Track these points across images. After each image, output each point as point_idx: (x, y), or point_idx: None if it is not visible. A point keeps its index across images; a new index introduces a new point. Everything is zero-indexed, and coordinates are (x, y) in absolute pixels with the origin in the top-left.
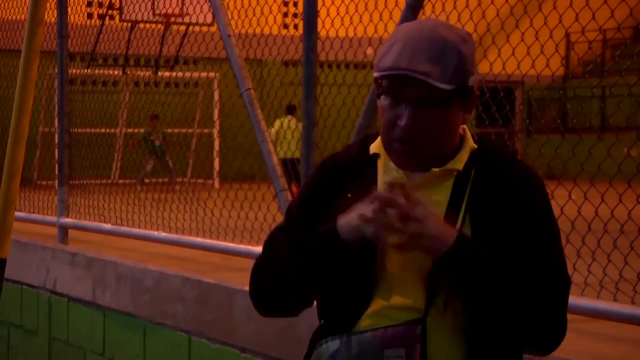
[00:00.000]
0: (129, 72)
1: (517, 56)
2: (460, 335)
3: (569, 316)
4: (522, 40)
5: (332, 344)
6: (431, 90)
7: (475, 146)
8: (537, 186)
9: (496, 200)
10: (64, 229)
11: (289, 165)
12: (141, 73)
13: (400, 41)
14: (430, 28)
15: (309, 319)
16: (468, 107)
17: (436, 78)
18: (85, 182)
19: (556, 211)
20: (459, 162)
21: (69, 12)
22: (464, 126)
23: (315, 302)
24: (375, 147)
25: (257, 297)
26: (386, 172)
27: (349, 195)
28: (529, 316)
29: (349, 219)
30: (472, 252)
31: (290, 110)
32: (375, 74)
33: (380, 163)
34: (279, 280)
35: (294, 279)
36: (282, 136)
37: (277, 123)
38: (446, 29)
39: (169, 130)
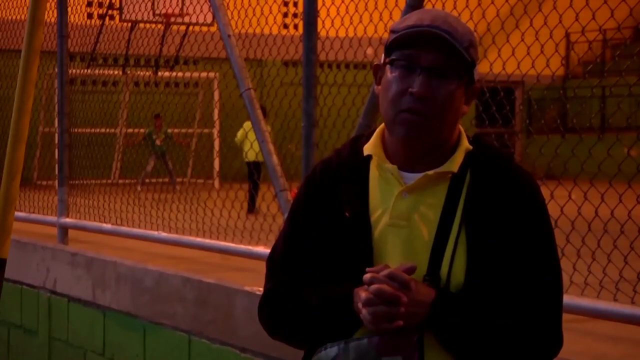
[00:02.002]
0: (129, 72)
1: (517, 56)
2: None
3: (570, 316)
4: (522, 40)
5: (331, 351)
6: (447, 57)
7: (471, 147)
8: (534, 192)
9: (491, 207)
10: (64, 229)
11: (255, 167)
12: (141, 73)
13: (417, 12)
14: (443, 12)
15: None
16: (469, 98)
17: (456, 41)
18: (85, 182)
19: (556, 211)
20: (454, 164)
21: (69, 12)
22: (460, 127)
23: None
24: (368, 148)
25: (269, 328)
26: (381, 173)
27: (347, 213)
28: (526, 336)
29: (356, 299)
30: (453, 309)
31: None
32: (392, 37)
33: (373, 164)
34: (294, 329)
35: (307, 331)
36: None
37: (248, 124)
38: (456, 17)
39: (170, 130)
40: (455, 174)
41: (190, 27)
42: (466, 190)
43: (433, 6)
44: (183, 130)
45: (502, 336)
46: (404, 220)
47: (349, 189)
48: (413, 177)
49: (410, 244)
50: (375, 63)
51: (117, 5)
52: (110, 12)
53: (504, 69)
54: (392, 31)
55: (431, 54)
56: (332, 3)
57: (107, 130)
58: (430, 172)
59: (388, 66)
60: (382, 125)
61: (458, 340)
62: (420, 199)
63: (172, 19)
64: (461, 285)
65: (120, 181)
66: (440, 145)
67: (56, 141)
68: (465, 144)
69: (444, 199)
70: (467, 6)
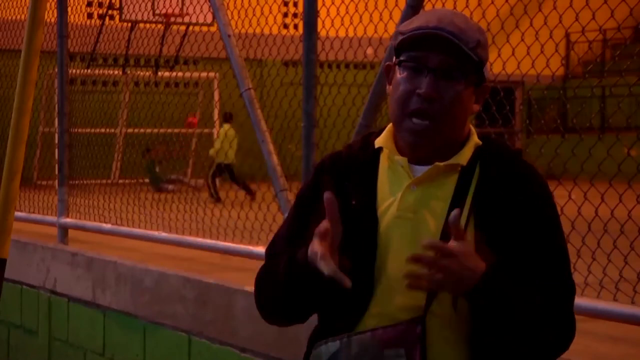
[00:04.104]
0: (129, 72)
1: (517, 56)
2: (462, 336)
3: None
4: (522, 40)
5: (332, 345)
6: (454, 58)
7: (480, 142)
8: (542, 185)
9: (501, 199)
10: (64, 229)
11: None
12: (141, 73)
13: (425, 14)
14: (451, 12)
15: (309, 318)
16: (479, 96)
17: (462, 42)
18: (85, 182)
19: None
20: (464, 157)
21: (69, 12)
22: (470, 124)
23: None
24: (380, 141)
25: (259, 305)
26: (391, 165)
27: (354, 202)
28: (538, 325)
29: (311, 256)
30: (498, 287)
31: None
32: (399, 38)
33: (383, 156)
34: (272, 299)
35: (285, 302)
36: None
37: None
38: (464, 16)
39: (170, 131)
40: (464, 167)
41: (190, 27)
42: (475, 183)
43: (433, 6)
44: (183, 131)
45: (529, 320)
46: (412, 213)
47: (357, 180)
48: (422, 170)
49: (417, 236)
50: (387, 63)
51: (117, 5)
52: (110, 12)
53: (504, 69)
54: (400, 33)
55: (438, 55)
56: (332, 3)
57: (107, 130)
58: (440, 164)
59: (397, 67)
60: None
61: (493, 314)
62: (428, 192)
63: (172, 19)
64: None
65: (120, 181)
66: (449, 142)
67: (56, 141)
68: (475, 140)
69: (453, 192)
70: (467, 6)
